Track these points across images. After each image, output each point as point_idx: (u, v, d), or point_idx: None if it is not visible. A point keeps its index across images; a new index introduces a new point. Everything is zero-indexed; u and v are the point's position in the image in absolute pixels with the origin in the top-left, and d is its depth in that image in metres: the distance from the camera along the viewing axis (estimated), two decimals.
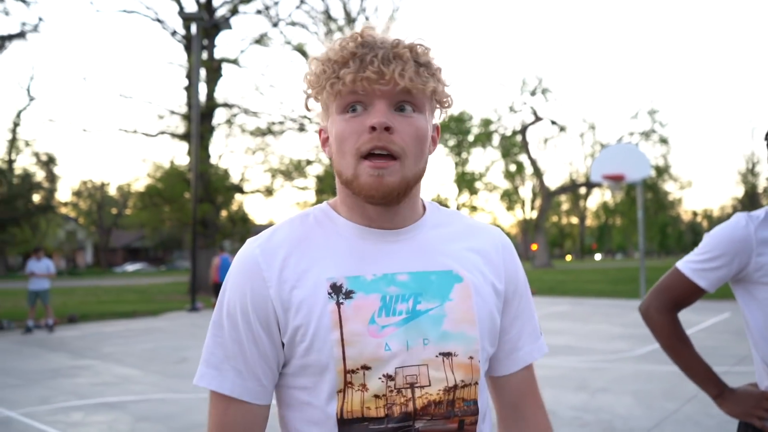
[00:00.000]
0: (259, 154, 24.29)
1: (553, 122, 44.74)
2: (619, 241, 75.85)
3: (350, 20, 29.32)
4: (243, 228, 24.59)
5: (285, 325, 0.98)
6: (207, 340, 1.03)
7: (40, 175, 29.32)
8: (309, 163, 24.43)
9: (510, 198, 53.71)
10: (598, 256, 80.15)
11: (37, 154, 30.94)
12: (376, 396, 0.95)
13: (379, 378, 0.95)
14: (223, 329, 1.01)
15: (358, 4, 30.20)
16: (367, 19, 29.94)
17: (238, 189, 24.12)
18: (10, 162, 32.58)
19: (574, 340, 9.92)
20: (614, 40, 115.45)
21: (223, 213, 24.24)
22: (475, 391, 1.00)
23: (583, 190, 57.68)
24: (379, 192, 0.96)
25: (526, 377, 1.15)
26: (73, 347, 10.07)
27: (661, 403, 5.76)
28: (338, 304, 0.96)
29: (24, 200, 15.95)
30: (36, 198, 18.02)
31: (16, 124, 34.40)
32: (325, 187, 27.42)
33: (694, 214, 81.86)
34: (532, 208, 53.43)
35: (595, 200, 64.61)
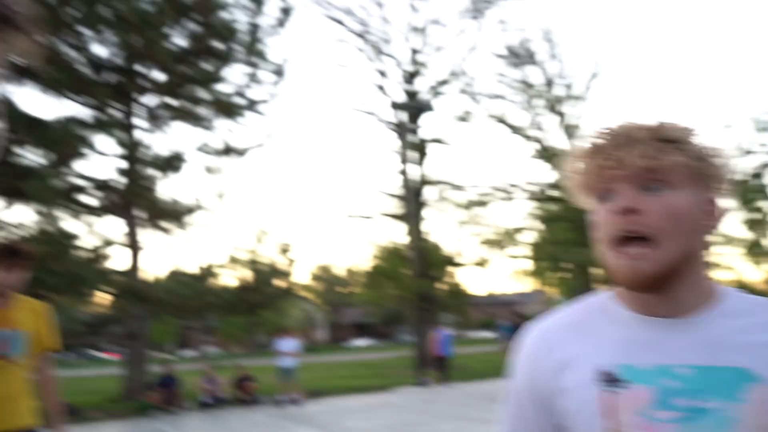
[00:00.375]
0: (470, 226, 24.74)
1: None
2: None
3: (549, 85, 29.18)
4: (460, 300, 24.88)
5: (556, 410, 0.99)
6: (503, 418, 1.10)
7: (281, 261, 33.22)
8: (519, 231, 24.27)
9: (755, 250, 47.30)
10: None
11: (281, 245, 35.11)
12: None
13: None
14: (514, 408, 1.07)
15: (557, 67, 30.01)
16: (567, 81, 29.56)
17: (453, 262, 24.64)
18: (256, 252, 37.25)
19: None
20: None
21: (440, 286, 24.84)
22: None
23: None
24: (635, 282, 0.93)
25: None
26: (318, 421, 10.86)
27: None
28: (608, 392, 0.93)
29: (270, 286, 18.16)
30: (279, 283, 20.42)
31: (258, 218, 39.41)
32: (540, 254, 26.80)
33: None
34: None
35: None
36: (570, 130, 30.29)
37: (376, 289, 26.80)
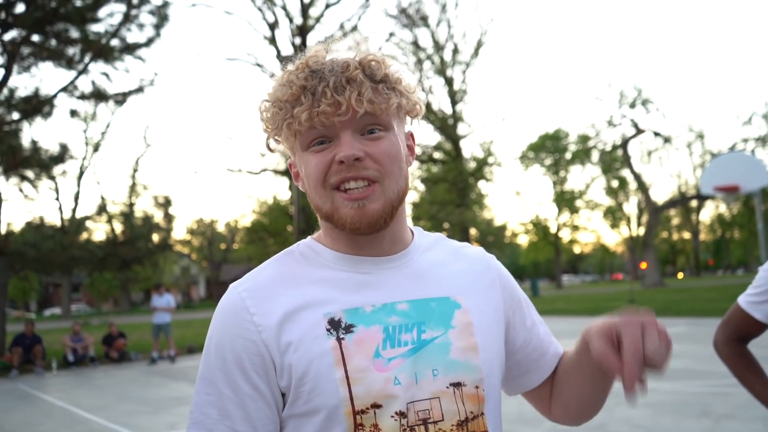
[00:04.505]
0: None
1: (657, 134, 42.82)
2: (739, 256, 70.67)
3: (439, 48, 29.62)
4: None
5: (282, 369, 0.89)
6: (195, 399, 0.92)
7: (158, 216, 31.80)
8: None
9: (614, 215, 51.60)
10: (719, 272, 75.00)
11: (156, 197, 33.56)
12: None
13: (392, 416, 0.87)
14: (215, 385, 0.90)
15: (446, 30, 30.49)
16: (455, 46, 30.23)
17: None
18: (131, 205, 35.40)
19: (694, 363, 9.35)
20: (719, 41, 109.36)
21: None
22: (483, 422, 0.93)
23: (694, 203, 54.45)
24: (364, 222, 0.90)
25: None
26: (194, 377, 10.67)
27: None
28: (339, 339, 0.89)
29: (145, 240, 17.32)
30: (155, 238, 19.52)
31: (135, 170, 37.40)
32: (421, 213, 27.59)
33: None
34: (639, 225, 51.04)
35: (708, 213, 60.79)
36: (456, 95, 31.15)
37: (258, 246, 26.49)
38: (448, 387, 0.90)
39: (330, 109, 0.87)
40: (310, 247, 1.00)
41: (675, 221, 64.23)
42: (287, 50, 23.40)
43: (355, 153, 0.89)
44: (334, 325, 0.90)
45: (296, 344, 0.88)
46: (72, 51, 14.05)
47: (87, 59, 14.12)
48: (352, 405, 0.86)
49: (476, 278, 1.03)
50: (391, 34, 24.47)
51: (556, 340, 1.12)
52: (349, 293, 0.93)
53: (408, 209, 1.02)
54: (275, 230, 24.47)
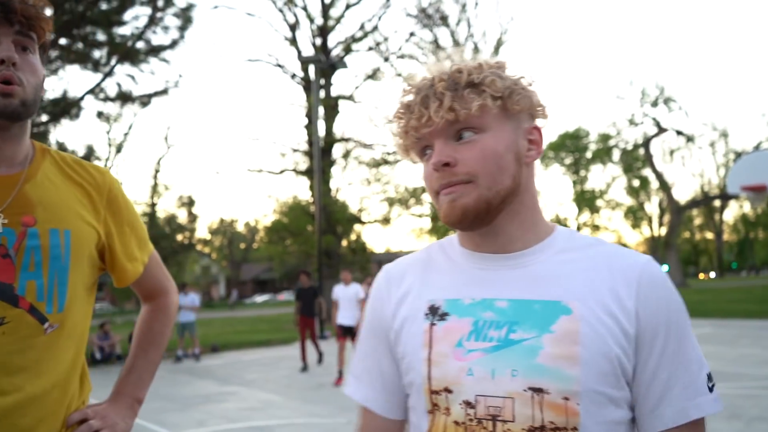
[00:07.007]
0: (375, 184, 25.02)
1: (679, 132, 42.27)
2: (763, 256, 69.46)
3: (458, 47, 29.47)
4: (363, 257, 25.26)
5: (395, 342, 1.05)
6: (355, 353, 1.15)
7: (181, 216, 32.21)
8: (424, 190, 24.86)
9: (635, 215, 50.99)
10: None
11: (181, 197, 33.94)
12: (456, 423, 0.94)
13: (460, 404, 0.94)
14: (362, 344, 1.12)
15: (466, 30, 30.37)
16: (475, 44, 30.12)
17: (357, 219, 24.90)
18: (153, 205, 35.81)
19: (721, 364, 9.25)
20: (742, 38, 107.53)
21: (344, 243, 25.08)
22: None
23: (717, 203, 53.65)
24: (453, 217, 0.97)
25: None
26: (218, 374, 10.82)
27: None
28: (432, 324, 0.99)
29: (169, 240, 17.49)
30: (179, 237, 19.70)
31: (156, 171, 37.79)
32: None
33: None
34: (661, 225, 50.42)
35: (732, 213, 59.85)
36: None
37: (278, 246, 26.65)
38: (525, 390, 0.90)
39: (417, 123, 0.98)
40: (449, 241, 1.11)
41: (697, 221, 63.28)
42: (308, 51, 23.51)
43: (441, 159, 0.97)
44: (433, 311, 1.01)
45: (402, 323, 1.03)
46: (98, 54, 14.27)
47: (113, 62, 14.33)
48: (430, 384, 0.97)
49: (609, 288, 0.94)
50: (411, 34, 24.46)
51: (696, 402, 0.93)
52: (458, 285, 1.02)
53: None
54: (296, 230, 24.56)
